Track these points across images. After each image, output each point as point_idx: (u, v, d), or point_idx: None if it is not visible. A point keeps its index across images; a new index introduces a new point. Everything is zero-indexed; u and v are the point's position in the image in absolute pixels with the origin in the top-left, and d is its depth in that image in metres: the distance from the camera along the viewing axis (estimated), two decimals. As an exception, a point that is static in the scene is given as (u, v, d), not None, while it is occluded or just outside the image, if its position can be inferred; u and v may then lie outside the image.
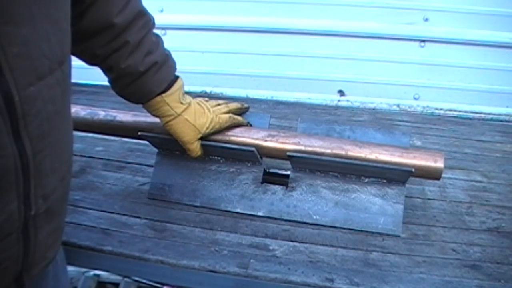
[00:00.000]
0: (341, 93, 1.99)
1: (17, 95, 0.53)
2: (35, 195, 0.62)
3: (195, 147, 1.07)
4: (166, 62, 0.96)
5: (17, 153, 0.56)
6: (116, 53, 0.88)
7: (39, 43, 0.56)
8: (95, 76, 2.01)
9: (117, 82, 0.94)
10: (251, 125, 1.17)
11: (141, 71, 0.91)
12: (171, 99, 0.97)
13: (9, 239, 0.62)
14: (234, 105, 1.14)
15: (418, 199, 1.25)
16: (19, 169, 0.57)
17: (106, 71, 0.95)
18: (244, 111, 1.18)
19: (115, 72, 0.92)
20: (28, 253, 0.66)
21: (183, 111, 0.99)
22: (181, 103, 0.99)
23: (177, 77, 1.00)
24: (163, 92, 0.96)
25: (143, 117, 1.18)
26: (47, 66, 0.58)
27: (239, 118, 1.15)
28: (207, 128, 1.05)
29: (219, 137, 1.12)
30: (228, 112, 1.11)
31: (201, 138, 1.08)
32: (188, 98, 1.02)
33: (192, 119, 1.01)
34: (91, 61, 0.92)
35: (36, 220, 0.65)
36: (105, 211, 1.16)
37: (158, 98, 0.96)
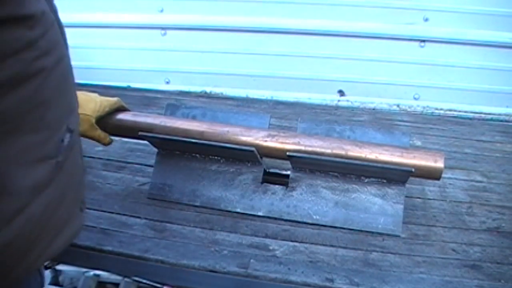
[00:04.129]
0: (341, 93, 1.99)
1: (53, 8, 0.60)
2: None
3: (94, 134, 1.11)
4: None
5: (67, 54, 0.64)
6: None
7: None
8: (95, 76, 2.03)
9: None
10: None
11: None
12: None
13: (77, 144, 0.65)
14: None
15: (418, 199, 1.25)
16: None
17: None
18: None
19: None
20: (84, 170, 0.70)
21: None
22: None
23: None
24: None
25: (143, 117, 1.18)
26: None
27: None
28: (98, 111, 1.09)
29: (219, 137, 1.12)
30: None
31: (101, 122, 1.12)
32: None
33: (80, 109, 0.97)
34: None
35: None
36: (105, 211, 1.16)
37: None
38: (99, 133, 1.13)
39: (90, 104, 1.08)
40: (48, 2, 0.58)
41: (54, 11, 0.60)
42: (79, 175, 0.68)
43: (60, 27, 0.61)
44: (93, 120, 1.09)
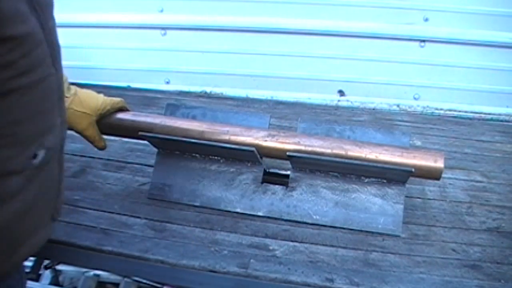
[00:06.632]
0: (341, 93, 1.99)
1: (46, 27, 0.61)
2: (62, 116, 0.70)
3: (91, 133, 1.10)
4: None
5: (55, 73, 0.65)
6: None
7: None
8: (95, 76, 2.03)
9: None
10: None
11: None
12: None
13: (54, 160, 0.67)
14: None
15: (418, 199, 1.25)
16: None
17: None
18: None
19: None
20: (61, 183, 0.71)
21: (68, 104, 1.03)
22: (66, 96, 0.98)
23: None
24: None
25: (143, 117, 1.18)
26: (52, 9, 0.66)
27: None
28: (100, 109, 1.09)
29: (219, 137, 1.12)
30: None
31: (101, 122, 1.12)
32: (73, 89, 1.06)
33: (80, 107, 1.06)
34: None
35: (63, 141, 0.71)
36: (105, 211, 1.16)
37: None
38: (96, 134, 1.12)
39: (91, 103, 1.08)
40: (39, 22, 0.59)
41: (47, 29, 0.61)
42: (53, 187, 0.71)
43: (50, 46, 0.62)
44: (94, 118, 1.09)
